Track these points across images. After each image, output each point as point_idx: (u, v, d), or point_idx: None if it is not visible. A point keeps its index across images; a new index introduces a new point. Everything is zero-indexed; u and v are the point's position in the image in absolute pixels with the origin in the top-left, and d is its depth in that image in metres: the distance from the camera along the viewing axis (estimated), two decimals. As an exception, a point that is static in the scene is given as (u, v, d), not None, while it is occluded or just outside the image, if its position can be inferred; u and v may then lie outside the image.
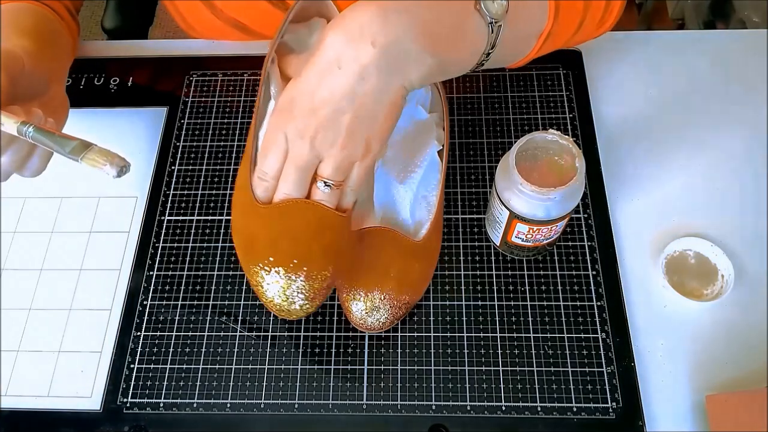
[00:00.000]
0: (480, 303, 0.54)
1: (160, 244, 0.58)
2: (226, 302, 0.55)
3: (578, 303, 0.54)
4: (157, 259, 0.58)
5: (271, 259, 0.46)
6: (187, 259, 0.58)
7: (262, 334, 0.54)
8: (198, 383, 0.52)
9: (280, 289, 0.46)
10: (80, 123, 0.66)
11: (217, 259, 0.57)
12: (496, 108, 0.64)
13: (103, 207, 0.61)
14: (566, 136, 0.49)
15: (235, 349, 0.53)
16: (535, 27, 0.52)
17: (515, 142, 0.49)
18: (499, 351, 0.52)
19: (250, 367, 0.53)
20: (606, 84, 0.65)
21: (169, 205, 0.60)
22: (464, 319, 0.54)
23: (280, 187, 0.46)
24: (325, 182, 0.45)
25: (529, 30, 0.52)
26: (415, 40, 0.42)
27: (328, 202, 0.46)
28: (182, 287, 0.56)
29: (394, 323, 0.52)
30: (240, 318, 0.55)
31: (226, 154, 0.63)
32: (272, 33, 0.70)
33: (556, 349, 0.52)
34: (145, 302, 0.56)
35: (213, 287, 0.56)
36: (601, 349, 0.52)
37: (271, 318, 0.55)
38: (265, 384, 0.52)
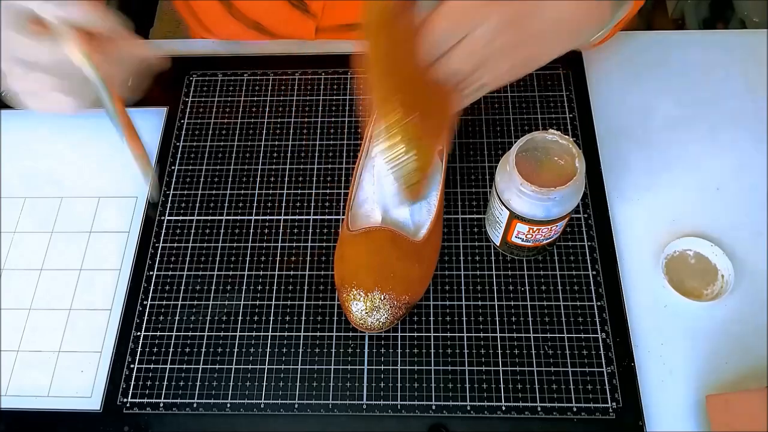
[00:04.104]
0: (480, 303, 0.54)
1: (160, 244, 0.58)
2: (226, 302, 0.55)
3: (578, 303, 0.54)
4: (157, 259, 0.58)
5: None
6: (187, 259, 0.58)
7: (262, 334, 0.54)
8: (198, 383, 0.52)
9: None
10: (80, 123, 0.66)
11: (217, 259, 0.57)
12: (496, 108, 0.64)
13: (103, 207, 0.61)
14: (566, 136, 0.49)
15: (235, 349, 0.53)
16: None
17: (515, 142, 0.49)
18: (499, 351, 0.52)
19: (250, 367, 0.53)
20: (606, 84, 0.65)
21: (169, 205, 0.60)
22: (464, 319, 0.54)
23: (453, 57, 0.45)
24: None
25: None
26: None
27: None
28: (182, 287, 0.56)
29: (394, 323, 0.52)
30: (240, 318, 0.55)
31: (226, 154, 0.63)
32: (291, 34, 0.69)
33: (556, 349, 0.52)
34: (145, 302, 0.56)
35: (213, 287, 0.56)
36: (601, 349, 0.52)
37: (271, 318, 0.55)
38: (265, 384, 0.52)
